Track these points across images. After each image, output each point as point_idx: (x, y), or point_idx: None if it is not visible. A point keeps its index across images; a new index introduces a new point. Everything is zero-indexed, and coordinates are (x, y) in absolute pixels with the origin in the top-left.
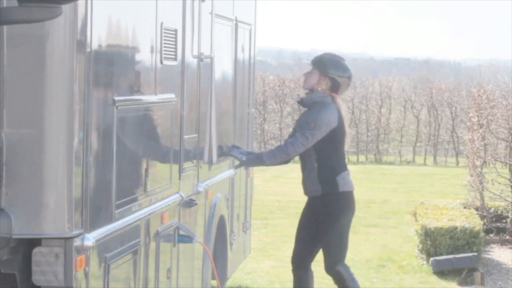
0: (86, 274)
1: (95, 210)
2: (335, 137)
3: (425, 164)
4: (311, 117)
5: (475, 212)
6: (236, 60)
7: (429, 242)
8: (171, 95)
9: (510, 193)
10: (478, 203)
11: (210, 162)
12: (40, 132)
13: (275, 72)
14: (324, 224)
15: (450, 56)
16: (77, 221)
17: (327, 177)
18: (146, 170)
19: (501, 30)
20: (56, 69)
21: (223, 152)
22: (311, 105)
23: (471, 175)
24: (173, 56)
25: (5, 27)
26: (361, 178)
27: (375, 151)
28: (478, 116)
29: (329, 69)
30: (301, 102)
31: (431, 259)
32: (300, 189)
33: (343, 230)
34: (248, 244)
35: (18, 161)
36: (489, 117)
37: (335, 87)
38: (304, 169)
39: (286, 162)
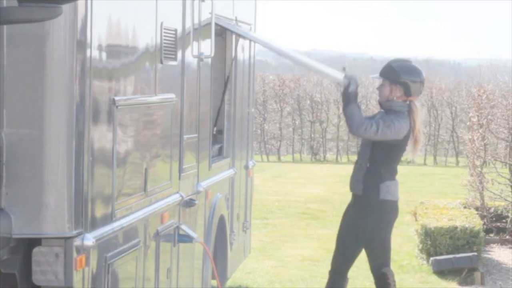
0: (86, 274)
1: (95, 210)
2: (394, 149)
3: (425, 164)
4: (388, 118)
5: (475, 212)
6: (236, 60)
7: (429, 242)
8: (171, 95)
9: (510, 193)
10: (478, 203)
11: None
12: (40, 132)
13: (275, 72)
14: (362, 227)
15: (450, 56)
16: (77, 221)
17: (371, 181)
18: (146, 170)
19: (501, 30)
20: (56, 69)
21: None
22: (389, 111)
23: (471, 175)
24: (173, 56)
25: (5, 27)
26: None
27: None
28: (478, 116)
29: (401, 75)
30: (380, 104)
31: (431, 258)
32: (300, 189)
33: (382, 235)
34: (248, 244)
35: (18, 161)
36: (489, 117)
37: (408, 92)
38: (356, 163)
39: (351, 130)
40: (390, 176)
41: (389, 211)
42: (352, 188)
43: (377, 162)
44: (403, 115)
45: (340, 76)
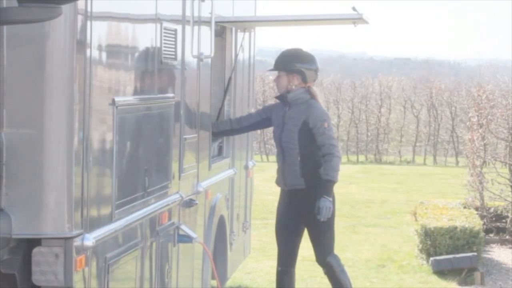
0: (86, 274)
1: (95, 210)
2: (313, 133)
3: (425, 164)
4: (315, 117)
5: (475, 212)
6: (236, 60)
7: (429, 242)
8: (171, 95)
9: (510, 193)
10: (478, 203)
11: None
12: (40, 132)
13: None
14: (313, 217)
15: (450, 56)
16: (77, 221)
17: (310, 170)
18: (146, 170)
19: (501, 30)
20: (56, 69)
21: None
22: (295, 101)
23: (471, 175)
24: (173, 56)
25: (5, 27)
26: (361, 178)
27: (375, 151)
28: (478, 116)
29: (295, 63)
30: (282, 98)
31: (431, 259)
32: None
33: (331, 221)
34: (248, 244)
35: (18, 161)
36: (489, 117)
37: (305, 79)
38: (283, 161)
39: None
40: (320, 159)
41: (333, 193)
42: (290, 185)
43: (307, 151)
44: (310, 100)
45: (350, 15)
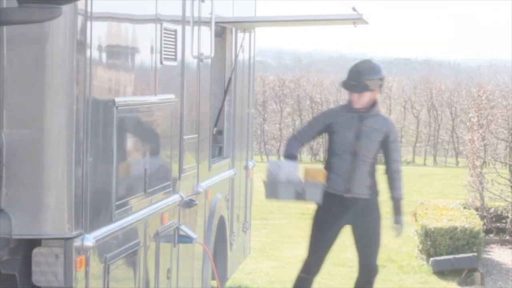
0: (86, 275)
1: (95, 210)
2: None
3: (425, 165)
4: (395, 132)
5: (475, 213)
6: (236, 61)
7: (429, 243)
8: (171, 95)
9: (510, 194)
10: (478, 204)
11: None
12: (40, 132)
13: (275, 72)
14: (371, 224)
15: (450, 56)
16: (77, 221)
17: (374, 181)
18: (146, 170)
19: (501, 30)
20: (56, 69)
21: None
22: (369, 112)
23: (471, 176)
24: (173, 57)
25: (5, 27)
26: None
27: None
28: (478, 116)
29: (382, 80)
30: (362, 109)
31: (431, 259)
32: None
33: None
34: (248, 245)
35: (18, 162)
36: (489, 117)
37: (381, 90)
38: (353, 169)
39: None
40: (376, 172)
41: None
42: (355, 193)
43: (374, 164)
44: (384, 115)
45: (350, 16)
